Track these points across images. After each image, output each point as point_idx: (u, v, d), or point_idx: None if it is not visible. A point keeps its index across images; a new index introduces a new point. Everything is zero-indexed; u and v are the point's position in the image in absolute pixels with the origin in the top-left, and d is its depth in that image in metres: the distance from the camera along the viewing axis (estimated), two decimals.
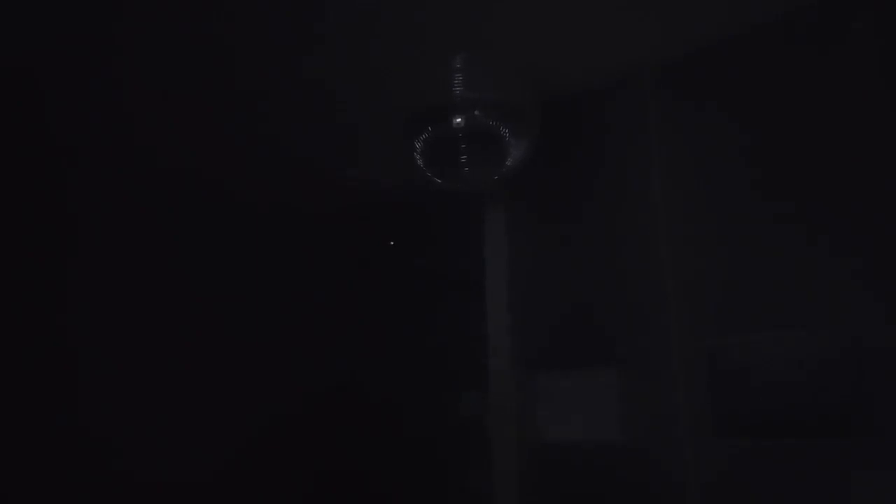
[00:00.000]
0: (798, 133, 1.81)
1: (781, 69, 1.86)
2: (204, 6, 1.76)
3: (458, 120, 2.00)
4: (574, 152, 2.27)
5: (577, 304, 2.15)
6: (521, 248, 2.36)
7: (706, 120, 1.98)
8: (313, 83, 2.14)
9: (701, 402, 1.85)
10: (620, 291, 2.06)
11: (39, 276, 2.34)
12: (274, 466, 2.85)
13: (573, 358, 2.14)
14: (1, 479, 2.13)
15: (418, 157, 2.08)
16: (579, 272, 2.17)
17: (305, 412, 2.98)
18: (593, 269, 2.14)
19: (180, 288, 2.72)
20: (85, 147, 2.47)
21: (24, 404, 2.22)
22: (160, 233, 2.71)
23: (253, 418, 2.82)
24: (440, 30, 1.90)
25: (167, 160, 2.63)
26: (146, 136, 2.43)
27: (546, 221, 2.32)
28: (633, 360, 2.00)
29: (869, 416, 1.59)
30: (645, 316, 1.99)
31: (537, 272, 2.29)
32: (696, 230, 1.95)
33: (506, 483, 2.21)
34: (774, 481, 1.71)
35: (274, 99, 2.23)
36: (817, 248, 1.73)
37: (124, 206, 2.61)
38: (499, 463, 2.25)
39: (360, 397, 2.94)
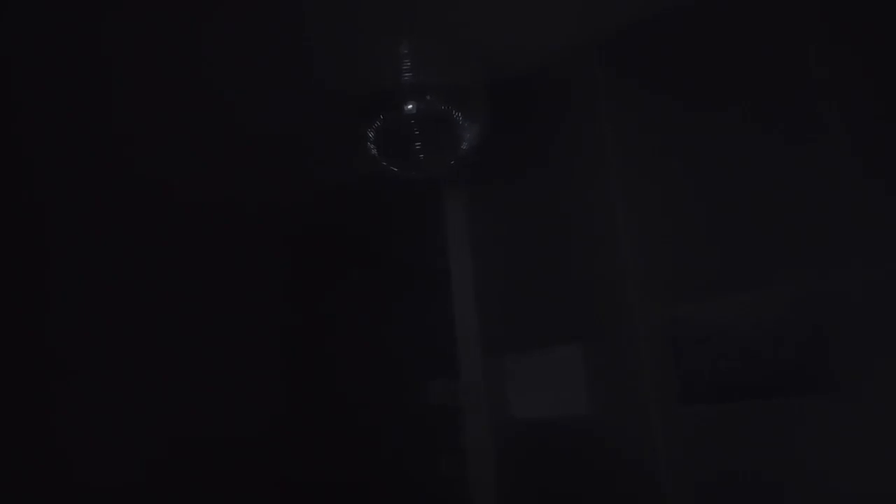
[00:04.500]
0: (743, 99, 1.85)
1: (729, 41, 1.90)
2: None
3: (410, 106, 1.97)
4: (527, 130, 2.28)
5: (540, 283, 2.17)
6: (483, 230, 2.38)
7: (656, 91, 2.01)
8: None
9: (666, 369, 1.89)
10: (582, 266, 2.09)
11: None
12: (247, 459, 2.84)
13: (539, 336, 2.16)
14: None
15: (371, 145, 2.05)
16: (539, 250, 2.20)
17: (274, 405, 2.96)
18: (553, 246, 2.16)
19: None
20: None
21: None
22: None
23: (229, 412, 2.80)
24: (384, 14, 1.86)
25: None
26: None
27: (504, 202, 2.33)
28: (597, 333, 2.03)
29: (833, 374, 1.64)
30: (607, 288, 2.02)
31: (498, 254, 2.31)
32: (652, 200, 1.98)
33: (480, 465, 2.24)
34: (743, 444, 1.75)
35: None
36: (773, 208, 1.77)
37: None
38: (472, 446, 2.27)
39: (329, 389, 2.92)
